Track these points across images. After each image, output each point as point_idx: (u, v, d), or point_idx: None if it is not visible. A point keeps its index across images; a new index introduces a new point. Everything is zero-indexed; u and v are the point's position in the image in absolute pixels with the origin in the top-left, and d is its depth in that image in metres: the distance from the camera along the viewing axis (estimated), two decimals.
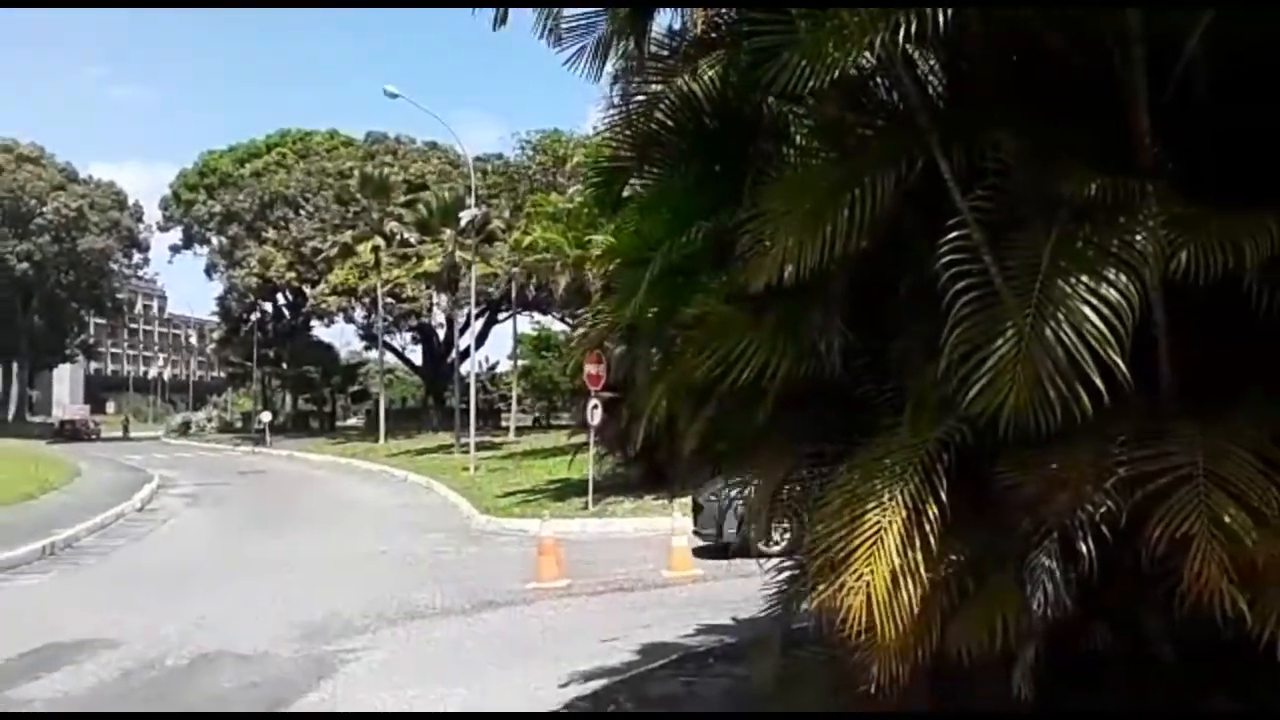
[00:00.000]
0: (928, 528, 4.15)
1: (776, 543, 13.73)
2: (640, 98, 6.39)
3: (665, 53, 6.37)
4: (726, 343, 5.13)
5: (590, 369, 18.21)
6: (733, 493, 14.24)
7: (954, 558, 4.39)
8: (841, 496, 4.35)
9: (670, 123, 6.19)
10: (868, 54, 4.36)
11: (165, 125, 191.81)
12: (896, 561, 4.08)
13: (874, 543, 4.10)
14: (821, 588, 4.28)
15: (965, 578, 4.35)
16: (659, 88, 6.27)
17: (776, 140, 6.09)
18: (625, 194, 6.81)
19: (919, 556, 4.11)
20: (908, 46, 4.61)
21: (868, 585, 4.04)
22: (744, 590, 8.24)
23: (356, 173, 52.84)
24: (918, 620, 4.13)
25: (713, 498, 14.48)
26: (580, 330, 6.27)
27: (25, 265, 65.70)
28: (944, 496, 4.18)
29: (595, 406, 18.50)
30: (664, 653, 8.46)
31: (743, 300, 5.26)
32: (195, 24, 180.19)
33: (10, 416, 73.92)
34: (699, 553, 14.14)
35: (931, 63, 5.34)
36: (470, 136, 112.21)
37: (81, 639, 9.91)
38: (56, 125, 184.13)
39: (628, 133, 6.47)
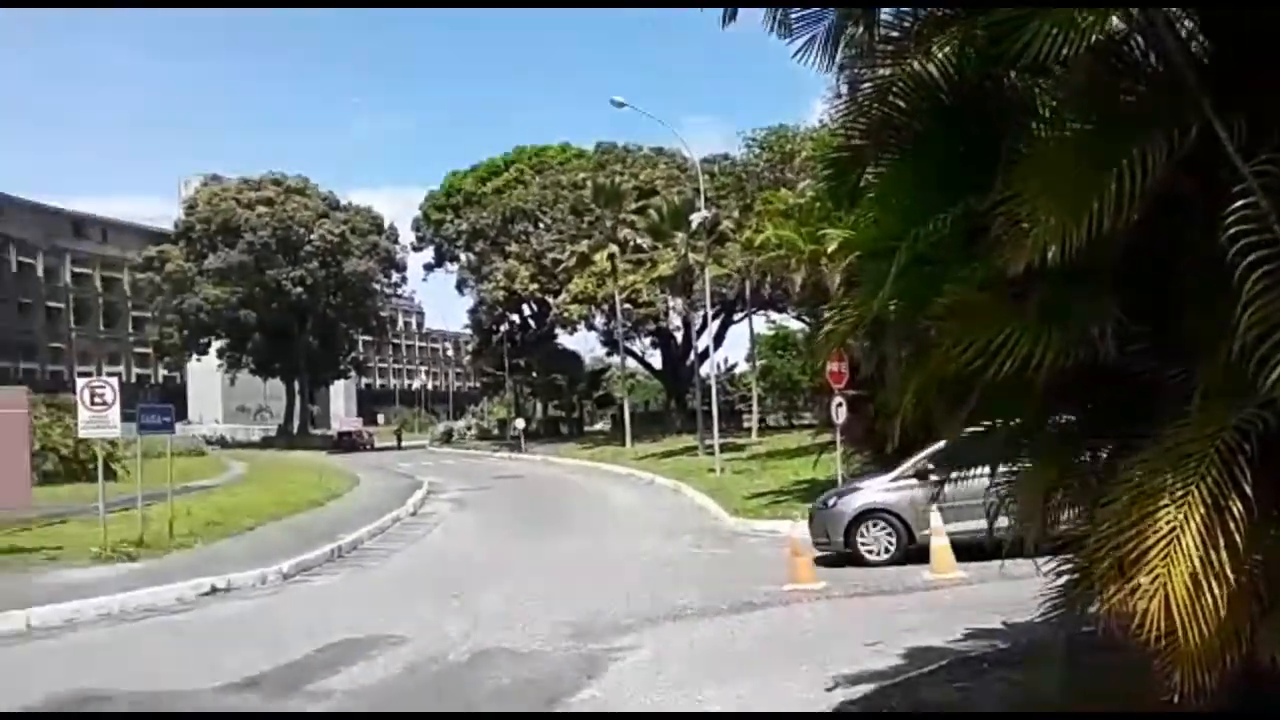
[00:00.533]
0: (1231, 525, 3.82)
1: (881, 551, 13.48)
2: (869, 84, 6.24)
3: (896, 34, 6.19)
4: (985, 333, 4.90)
5: (833, 366, 17.97)
6: (838, 502, 14.42)
7: (1261, 557, 4.02)
8: (1128, 492, 4.06)
9: (905, 106, 5.96)
10: (1118, 16, 4.11)
11: (413, 150, 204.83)
12: (1197, 562, 3.77)
13: (1170, 542, 3.80)
14: (1111, 590, 4.01)
15: (1278, 577, 3.98)
16: (888, 71, 6.08)
17: (1023, 115, 5.79)
18: (860, 184, 6.65)
19: (1223, 556, 3.79)
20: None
21: (1165, 587, 3.74)
22: (1013, 594, 7.85)
23: (589, 183, 54.51)
24: (1225, 624, 3.80)
25: (822, 506, 14.61)
26: (827, 328, 6.18)
27: (299, 290, 71.63)
28: (1248, 490, 3.84)
29: (840, 404, 18.27)
30: (932, 657, 8.19)
31: (1000, 287, 5.03)
32: (431, 51, 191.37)
33: (295, 430, 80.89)
34: (820, 561, 13.73)
35: (1195, 18, 4.93)
36: (695, 139, 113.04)
37: (372, 635, 10.71)
38: (316, 157, 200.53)
39: (860, 121, 6.29)
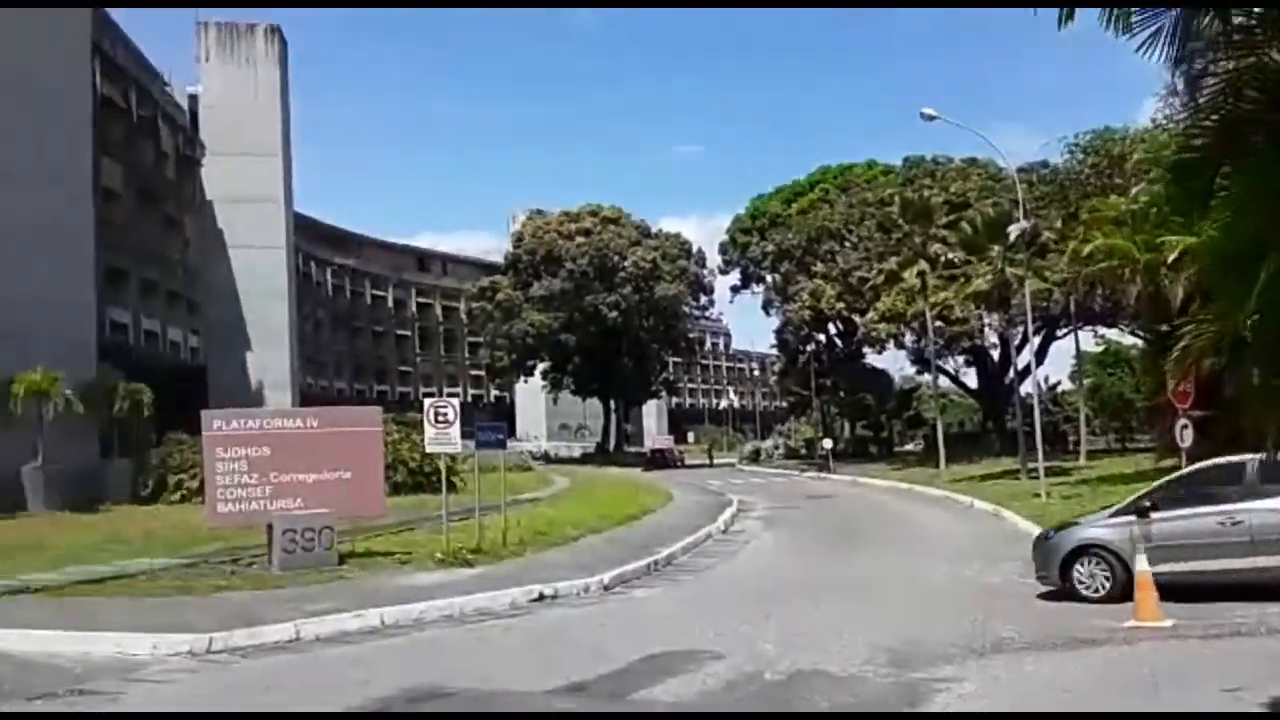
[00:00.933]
0: None
1: (1097, 588, 12.91)
2: (1215, 79, 5.72)
3: (1252, 23, 5.65)
4: None
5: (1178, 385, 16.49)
6: (1056, 536, 13.79)
7: None
8: None
9: (1260, 99, 5.43)
10: None
11: (717, 176, 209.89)
12: None
13: None
14: None
15: None
16: (1234, 64, 5.55)
17: None
18: (1211, 186, 6.09)
19: None
20: None
21: None
22: None
23: (896, 199, 53.28)
24: None
25: (1044, 539, 14.02)
26: (1181, 345, 5.59)
27: (615, 314, 74.84)
28: None
29: (1185, 426, 16.72)
30: None
31: None
32: (734, 77, 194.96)
33: (611, 447, 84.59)
34: (1047, 596, 13.17)
35: None
36: (1010, 148, 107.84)
37: (690, 649, 10.89)
38: (635, 186, 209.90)
39: (1213, 118, 5.79)
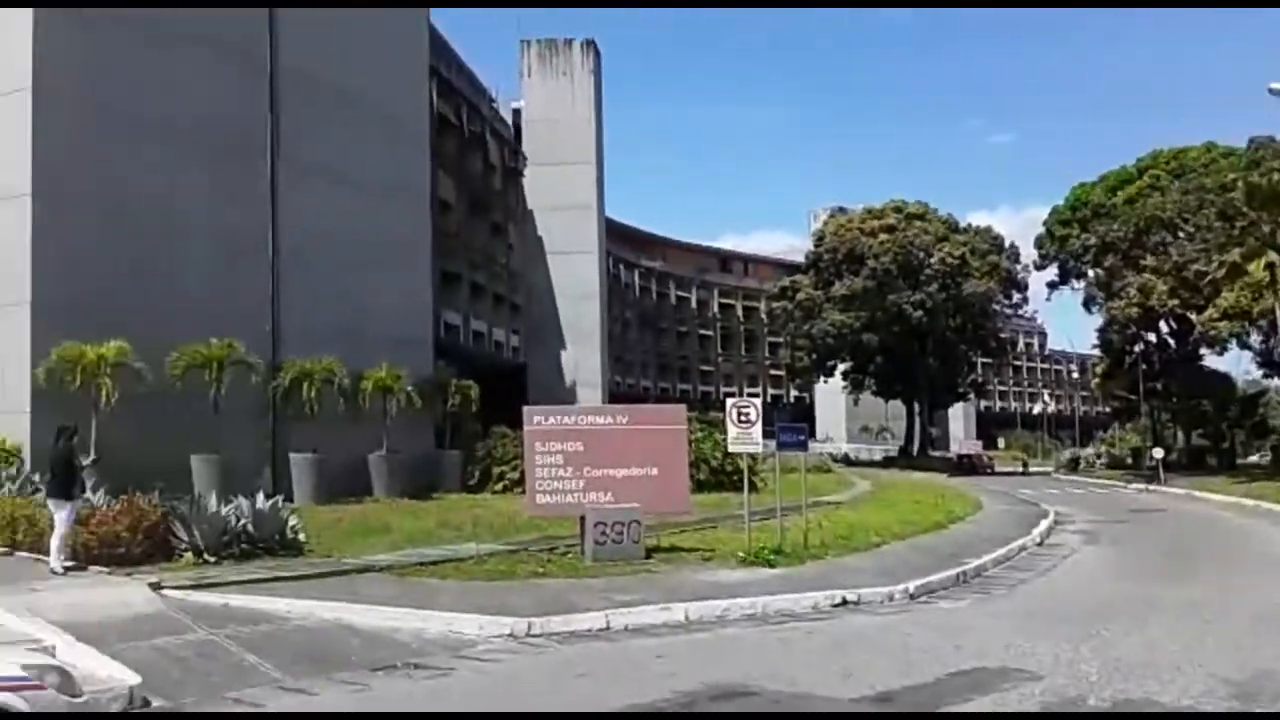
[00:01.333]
0: None
1: None
2: None
3: None
4: None
5: None
6: None
7: None
8: None
9: None
10: None
11: (1031, 166, 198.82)
12: None
13: None
14: None
15: None
16: None
17: None
18: None
19: None
20: None
21: None
22: None
23: (1240, 183, 48.06)
24: None
25: None
26: None
27: (919, 313, 72.89)
28: None
29: None
30: None
31: None
32: (1053, 65, 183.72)
33: (914, 451, 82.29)
34: None
35: None
36: None
37: (1003, 666, 10.41)
38: (941, 180, 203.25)
39: None
